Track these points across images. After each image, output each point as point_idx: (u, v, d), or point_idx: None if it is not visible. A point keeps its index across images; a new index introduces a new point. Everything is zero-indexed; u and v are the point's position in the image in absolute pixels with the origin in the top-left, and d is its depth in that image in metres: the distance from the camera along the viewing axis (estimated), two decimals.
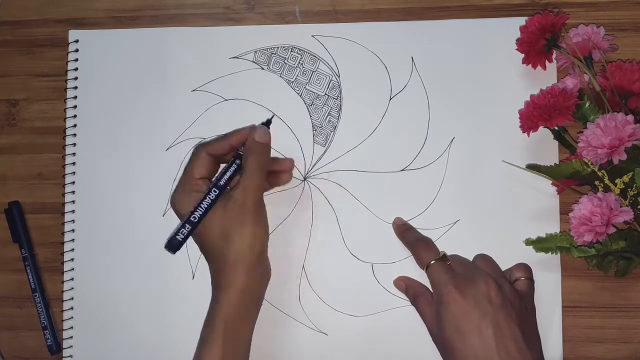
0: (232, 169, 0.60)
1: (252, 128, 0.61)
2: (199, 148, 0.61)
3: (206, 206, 0.58)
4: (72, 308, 0.69)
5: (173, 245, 0.57)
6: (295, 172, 0.68)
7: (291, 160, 0.66)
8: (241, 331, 0.58)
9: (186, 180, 0.60)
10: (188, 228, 0.58)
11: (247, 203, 0.58)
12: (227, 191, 0.59)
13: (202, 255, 0.69)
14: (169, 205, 0.68)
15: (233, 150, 0.61)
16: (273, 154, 0.68)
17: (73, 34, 0.71)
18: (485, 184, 0.66)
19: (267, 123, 0.62)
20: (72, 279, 0.69)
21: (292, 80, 0.69)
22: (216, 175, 0.60)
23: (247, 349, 0.59)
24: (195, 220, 0.58)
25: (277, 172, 0.64)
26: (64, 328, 0.69)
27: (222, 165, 0.61)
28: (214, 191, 0.59)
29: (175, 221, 0.68)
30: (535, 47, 0.63)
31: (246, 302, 0.58)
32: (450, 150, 0.67)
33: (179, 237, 0.57)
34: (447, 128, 0.67)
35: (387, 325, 0.66)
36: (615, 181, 0.57)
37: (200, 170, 0.60)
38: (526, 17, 0.64)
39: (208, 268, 0.60)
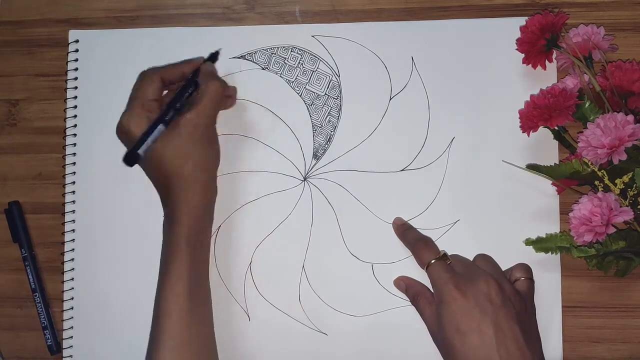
0: (187, 93, 0.62)
1: (201, 59, 0.65)
2: (151, 71, 0.63)
3: (165, 122, 0.60)
4: (72, 308, 0.69)
5: (131, 159, 0.59)
6: (295, 172, 0.68)
7: (234, 88, 0.68)
8: (202, 245, 0.62)
9: (138, 101, 0.62)
10: (148, 144, 0.59)
11: (203, 125, 0.61)
12: (178, 114, 0.61)
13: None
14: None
15: (182, 78, 0.64)
16: (274, 153, 0.68)
17: (73, 34, 0.71)
18: (485, 184, 0.66)
19: (214, 57, 0.66)
20: (72, 279, 0.69)
21: (292, 80, 0.69)
22: (171, 98, 0.62)
23: (207, 265, 0.63)
24: (156, 134, 0.60)
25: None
26: (64, 328, 0.69)
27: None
28: (171, 112, 0.61)
29: None
30: (536, 47, 0.63)
31: (204, 217, 0.62)
32: (450, 150, 0.67)
33: (140, 151, 0.59)
34: (447, 128, 0.67)
35: (387, 325, 0.66)
36: (615, 181, 0.57)
37: (154, 92, 0.62)
38: (526, 17, 0.64)
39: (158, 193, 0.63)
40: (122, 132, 0.62)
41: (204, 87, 0.62)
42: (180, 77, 0.64)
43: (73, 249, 0.69)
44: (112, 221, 0.69)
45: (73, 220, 0.70)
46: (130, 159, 0.59)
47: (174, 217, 0.61)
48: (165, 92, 0.65)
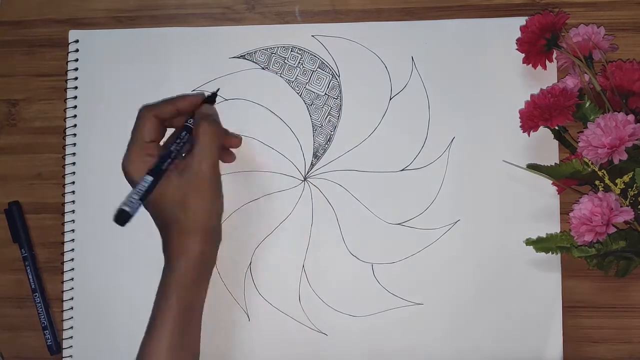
0: (184, 135, 0.59)
1: (200, 96, 0.61)
2: (146, 110, 0.60)
3: (160, 171, 0.57)
4: (72, 308, 0.69)
5: (120, 218, 0.54)
6: (295, 172, 0.68)
7: (239, 139, 0.65)
8: (195, 296, 0.59)
9: (137, 144, 0.59)
10: (140, 195, 0.56)
11: (203, 171, 0.58)
12: (181, 158, 0.59)
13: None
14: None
15: (179, 115, 0.60)
16: (274, 153, 0.68)
17: (73, 34, 0.71)
18: (485, 184, 0.66)
19: (212, 98, 0.62)
20: (72, 279, 0.69)
21: (292, 80, 0.69)
22: (167, 140, 0.60)
23: (200, 313, 0.59)
24: (149, 186, 0.56)
25: (225, 149, 0.64)
26: (64, 328, 0.69)
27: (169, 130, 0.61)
28: (167, 157, 0.58)
29: None
30: (536, 47, 0.63)
31: (201, 268, 0.58)
32: (450, 150, 0.67)
33: (128, 207, 0.55)
34: (447, 128, 0.67)
35: (387, 325, 0.66)
36: (616, 181, 0.57)
37: (150, 133, 0.59)
38: (526, 17, 0.64)
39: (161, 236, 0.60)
40: (125, 174, 0.59)
41: (195, 133, 0.58)
42: (174, 114, 0.60)
43: (73, 249, 0.69)
44: (112, 221, 0.69)
45: (73, 220, 0.70)
46: (120, 219, 0.54)
47: (168, 264, 0.58)
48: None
